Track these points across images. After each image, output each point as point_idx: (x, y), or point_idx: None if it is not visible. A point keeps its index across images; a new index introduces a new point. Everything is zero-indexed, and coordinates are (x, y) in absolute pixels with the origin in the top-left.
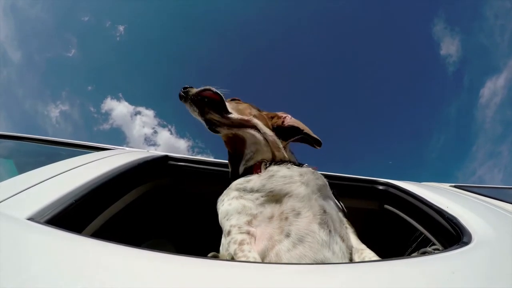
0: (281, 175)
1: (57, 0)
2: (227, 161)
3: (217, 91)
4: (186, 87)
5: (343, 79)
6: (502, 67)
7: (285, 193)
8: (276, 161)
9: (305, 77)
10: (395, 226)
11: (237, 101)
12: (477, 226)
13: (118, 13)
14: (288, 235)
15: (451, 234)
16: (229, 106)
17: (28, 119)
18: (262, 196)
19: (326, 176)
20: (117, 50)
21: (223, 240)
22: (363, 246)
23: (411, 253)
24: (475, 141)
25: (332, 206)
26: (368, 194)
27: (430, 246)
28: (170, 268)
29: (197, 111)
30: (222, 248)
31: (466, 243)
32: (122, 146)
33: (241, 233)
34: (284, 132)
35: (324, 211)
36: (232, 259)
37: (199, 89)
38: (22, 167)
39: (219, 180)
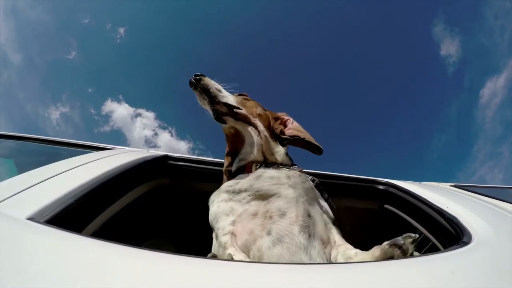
0: (268, 176)
1: (58, 2)
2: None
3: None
4: (198, 75)
5: (344, 81)
6: (502, 67)
7: (273, 194)
8: (267, 163)
9: (307, 78)
10: (395, 226)
11: (244, 97)
12: (477, 226)
13: (119, 15)
14: (269, 233)
15: (451, 234)
16: (236, 100)
17: (29, 121)
18: (249, 195)
19: (326, 176)
20: (117, 52)
21: (214, 241)
22: (341, 242)
23: (411, 254)
24: (476, 142)
25: (317, 210)
26: (368, 194)
27: (429, 246)
28: (170, 268)
29: (207, 100)
30: (213, 249)
31: (466, 243)
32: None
33: (224, 235)
34: (284, 139)
35: (309, 215)
36: (232, 259)
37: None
38: (22, 167)
39: (219, 180)
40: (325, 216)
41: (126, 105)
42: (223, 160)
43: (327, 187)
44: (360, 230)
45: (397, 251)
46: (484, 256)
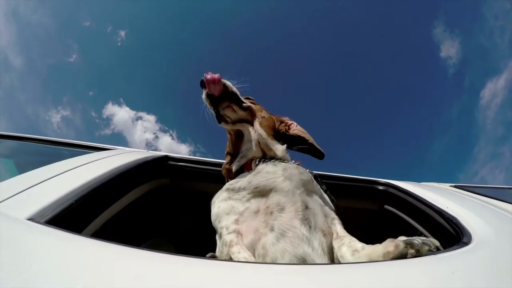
0: (266, 171)
1: (59, 5)
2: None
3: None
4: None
5: (346, 82)
6: (502, 68)
7: (270, 188)
8: (266, 158)
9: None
10: (395, 227)
11: (251, 101)
12: (477, 226)
13: (119, 18)
14: (272, 229)
15: (451, 234)
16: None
17: (30, 124)
18: (248, 193)
19: (326, 177)
20: (118, 55)
21: (217, 241)
22: (345, 234)
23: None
24: (477, 143)
25: (315, 201)
26: (368, 194)
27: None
28: (170, 268)
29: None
30: (218, 250)
31: (466, 243)
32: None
33: (229, 233)
34: (289, 140)
35: (307, 207)
36: (231, 259)
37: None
38: (22, 167)
39: (219, 180)
40: (326, 208)
41: (127, 108)
42: (222, 161)
43: (327, 187)
44: (360, 230)
45: (411, 252)
46: (484, 256)
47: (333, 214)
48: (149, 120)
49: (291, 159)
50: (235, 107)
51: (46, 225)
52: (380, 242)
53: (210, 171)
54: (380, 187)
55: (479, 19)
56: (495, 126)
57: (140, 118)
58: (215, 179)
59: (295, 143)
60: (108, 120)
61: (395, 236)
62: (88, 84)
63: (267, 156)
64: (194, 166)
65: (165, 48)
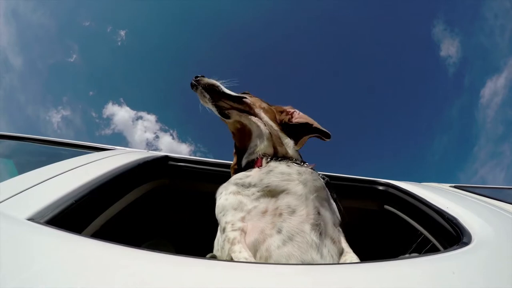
0: (279, 172)
1: (59, 5)
2: (227, 162)
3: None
4: (198, 76)
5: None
6: (502, 66)
7: (282, 190)
8: (278, 156)
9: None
10: (395, 227)
11: (247, 94)
12: (477, 226)
13: (119, 18)
14: (279, 231)
15: (451, 235)
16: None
17: (30, 124)
18: (258, 191)
19: (326, 177)
20: (118, 55)
21: (218, 234)
22: (349, 250)
23: (411, 254)
24: (477, 142)
25: (327, 208)
26: (368, 194)
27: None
28: (170, 269)
29: (208, 97)
30: (216, 243)
31: (466, 244)
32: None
33: (233, 230)
34: (292, 129)
35: (319, 213)
36: (231, 259)
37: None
38: (22, 167)
39: (219, 180)
40: (334, 216)
41: (127, 108)
42: (223, 161)
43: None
44: (360, 230)
45: None
46: (484, 256)
47: (338, 226)
48: (150, 119)
49: (300, 159)
50: (227, 101)
51: (46, 225)
52: (380, 243)
53: (210, 171)
54: (380, 187)
55: (479, 18)
56: (495, 125)
57: (140, 117)
58: (215, 179)
59: (299, 132)
60: (108, 120)
61: (395, 236)
62: (88, 84)
63: (278, 154)
64: (194, 167)
65: (165, 47)
